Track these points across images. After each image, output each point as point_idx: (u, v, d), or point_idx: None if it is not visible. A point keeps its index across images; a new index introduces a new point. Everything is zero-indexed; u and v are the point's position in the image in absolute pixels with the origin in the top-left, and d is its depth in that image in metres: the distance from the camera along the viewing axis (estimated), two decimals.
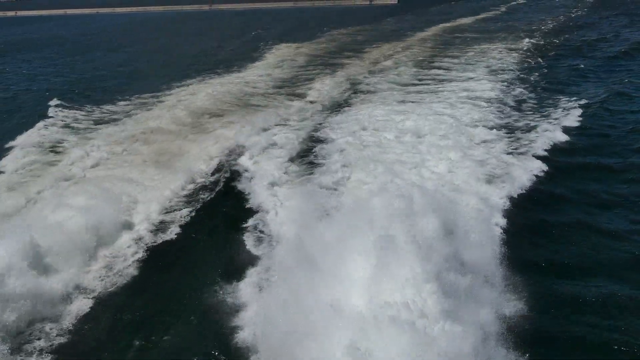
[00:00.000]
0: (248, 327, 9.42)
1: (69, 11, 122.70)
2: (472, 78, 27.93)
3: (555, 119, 20.75)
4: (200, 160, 17.39)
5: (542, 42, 40.21)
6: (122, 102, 26.26)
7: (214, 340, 9.49)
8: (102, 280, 11.33)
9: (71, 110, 24.60)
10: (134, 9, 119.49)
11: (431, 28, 53.52)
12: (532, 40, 40.41)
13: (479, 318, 8.57)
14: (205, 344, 9.46)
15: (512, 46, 38.18)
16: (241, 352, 9.06)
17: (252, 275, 10.93)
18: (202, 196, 15.04)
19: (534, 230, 12.87)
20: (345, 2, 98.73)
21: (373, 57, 37.09)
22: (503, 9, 74.53)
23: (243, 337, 9.33)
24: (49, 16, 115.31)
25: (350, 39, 49.25)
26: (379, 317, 7.89)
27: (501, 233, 12.12)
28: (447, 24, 56.87)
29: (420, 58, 35.28)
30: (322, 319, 8.19)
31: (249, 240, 12.45)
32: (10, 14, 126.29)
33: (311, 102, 25.16)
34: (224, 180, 16.02)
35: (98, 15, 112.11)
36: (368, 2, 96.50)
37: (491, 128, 19.44)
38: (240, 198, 14.78)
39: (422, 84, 27.59)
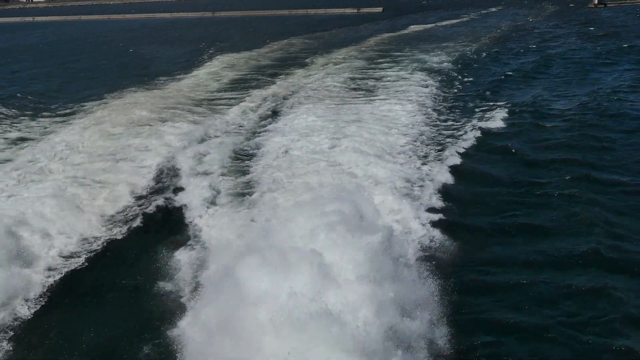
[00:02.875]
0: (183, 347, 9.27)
1: (84, 17, 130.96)
2: (400, 89, 29.08)
3: (481, 121, 21.79)
4: (132, 175, 17.33)
5: (484, 47, 45.54)
6: (52, 112, 27.07)
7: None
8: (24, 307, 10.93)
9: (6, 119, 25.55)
10: (143, 15, 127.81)
11: (395, 33, 61.02)
12: (476, 44, 46.24)
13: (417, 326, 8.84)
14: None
15: (455, 51, 42.58)
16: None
17: (185, 292, 10.83)
18: (134, 213, 14.89)
19: (459, 229, 13.49)
20: (335, 10, 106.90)
21: (322, 62, 39.86)
22: (473, 15, 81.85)
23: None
24: (64, 22, 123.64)
25: (322, 42, 56.43)
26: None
27: (425, 237, 12.74)
28: (417, 27, 64.85)
29: (362, 63, 39.00)
30: (255, 335, 8.23)
31: (182, 257, 12.34)
32: (28, 19, 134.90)
33: (247, 110, 25.70)
34: (156, 195, 15.98)
35: (110, 21, 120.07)
36: (356, 11, 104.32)
37: (416, 133, 20.54)
38: (172, 213, 14.83)
39: (356, 90, 29.22)
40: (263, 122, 23.50)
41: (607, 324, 9.72)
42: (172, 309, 10.28)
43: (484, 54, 41.32)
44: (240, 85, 32.58)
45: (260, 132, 21.94)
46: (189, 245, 12.89)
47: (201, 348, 8.82)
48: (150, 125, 22.86)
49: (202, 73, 37.87)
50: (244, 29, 77.15)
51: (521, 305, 10.35)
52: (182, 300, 10.61)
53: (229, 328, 8.51)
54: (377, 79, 32.30)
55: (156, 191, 16.24)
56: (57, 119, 25.74)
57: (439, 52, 42.12)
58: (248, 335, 8.24)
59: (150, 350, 9.57)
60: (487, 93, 27.76)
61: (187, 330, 9.47)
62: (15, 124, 25.20)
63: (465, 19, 76.89)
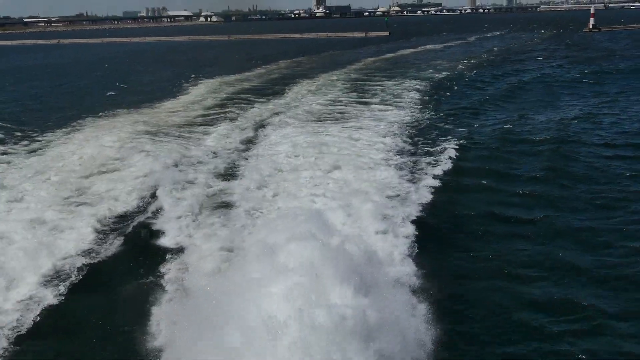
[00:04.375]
0: None
1: (106, 40, 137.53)
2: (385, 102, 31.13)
3: (455, 143, 21.74)
4: (110, 200, 16.84)
5: (471, 69, 48.60)
6: (34, 132, 26.80)
7: None
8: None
9: None
10: (162, 38, 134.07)
11: (394, 54, 65.87)
12: (464, 66, 49.80)
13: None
14: None
15: (445, 71, 45.31)
16: None
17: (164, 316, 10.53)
18: (111, 238, 14.50)
19: (439, 240, 13.75)
20: (345, 34, 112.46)
21: (316, 82, 41.78)
22: (473, 39, 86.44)
23: None
24: (88, 44, 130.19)
25: (324, 62, 61.23)
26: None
27: (407, 251, 12.64)
28: (416, 50, 69.47)
29: (356, 79, 42.14)
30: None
31: (161, 284, 12.07)
32: (54, 41, 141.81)
33: (234, 129, 26.01)
34: (134, 219, 15.57)
35: (130, 43, 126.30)
36: (364, 34, 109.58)
37: (395, 152, 20.66)
38: (150, 240, 14.39)
39: (342, 109, 29.99)
40: (247, 142, 23.73)
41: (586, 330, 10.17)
42: (151, 336, 10.11)
43: (470, 75, 43.39)
44: (234, 103, 33.50)
45: (244, 152, 22.00)
46: (168, 270, 12.64)
47: None
48: (133, 146, 22.62)
49: (203, 90, 39.83)
50: (254, 51, 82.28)
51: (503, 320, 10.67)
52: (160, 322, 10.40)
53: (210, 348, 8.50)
54: (364, 97, 34.07)
55: (135, 215, 15.88)
56: (38, 140, 25.50)
57: (429, 72, 45.17)
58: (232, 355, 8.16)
59: None
60: (466, 113, 28.97)
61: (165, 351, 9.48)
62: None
63: (465, 42, 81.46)
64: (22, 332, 10.51)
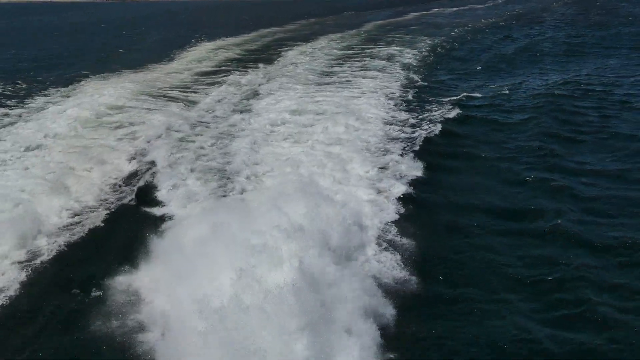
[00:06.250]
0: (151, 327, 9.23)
1: None
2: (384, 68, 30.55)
3: (450, 109, 21.33)
4: (106, 161, 16.77)
5: (488, 29, 49.62)
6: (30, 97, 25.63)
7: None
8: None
9: None
10: None
11: (418, 13, 68.27)
12: (483, 26, 51.37)
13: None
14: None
15: (462, 31, 46.95)
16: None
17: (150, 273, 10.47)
18: (105, 199, 14.55)
19: (422, 219, 13.07)
20: None
21: (324, 41, 42.65)
22: (499, 1, 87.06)
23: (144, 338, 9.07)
24: (131, 3, 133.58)
25: (339, 20, 63.70)
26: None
27: (383, 225, 12.25)
28: (437, 10, 71.26)
29: (366, 40, 42.58)
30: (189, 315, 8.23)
31: (152, 245, 11.44)
32: None
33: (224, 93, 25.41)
34: (128, 182, 15.57)
35: (172, 2, 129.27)
36: None
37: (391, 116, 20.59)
38: (145, 201, 14.37)
39: (337, 73, 29.62)
40: (253, 95, 24.37)
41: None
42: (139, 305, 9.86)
43: (482, 36, 44.47)
44: (251, 58, 35.02)
45: (246, 109, 22.18)
46: (161, 236, 12.09)
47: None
48: (129, 110, 22.45)
49: (215, 47, 40.79)
50: (289, 9, 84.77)
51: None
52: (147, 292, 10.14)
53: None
54: (369, 57, 34.15)
55: (129, 180, 15.78)
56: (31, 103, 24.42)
57: (445, 30, 46.77)
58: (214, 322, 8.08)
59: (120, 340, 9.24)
60: (474, 71, 29.68)
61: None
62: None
63: (490, 4, 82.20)
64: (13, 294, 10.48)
